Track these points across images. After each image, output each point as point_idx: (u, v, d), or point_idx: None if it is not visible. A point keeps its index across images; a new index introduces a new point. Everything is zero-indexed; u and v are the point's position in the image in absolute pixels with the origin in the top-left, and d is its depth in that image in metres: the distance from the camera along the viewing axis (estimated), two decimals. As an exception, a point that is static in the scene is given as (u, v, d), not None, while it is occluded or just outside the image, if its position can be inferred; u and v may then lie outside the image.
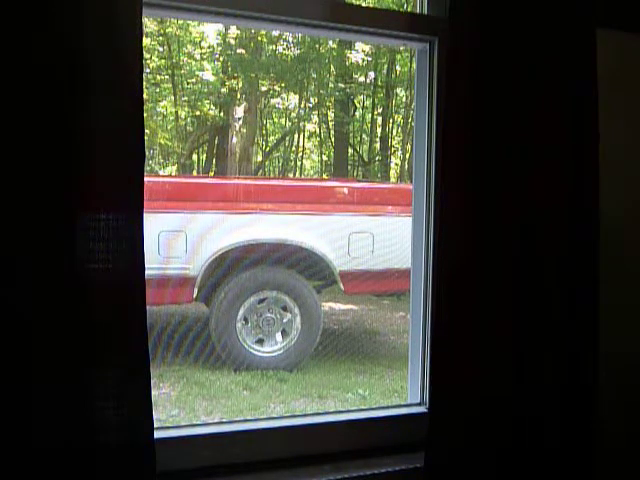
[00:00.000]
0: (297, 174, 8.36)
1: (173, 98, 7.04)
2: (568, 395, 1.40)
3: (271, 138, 8.25)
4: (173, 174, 7.00)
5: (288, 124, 8.12)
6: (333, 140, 8.10)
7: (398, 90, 8.21)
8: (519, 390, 1.37)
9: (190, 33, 6.73)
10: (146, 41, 6.34)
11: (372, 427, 1.49)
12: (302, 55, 7.09)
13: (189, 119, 7.22)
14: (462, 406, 1.35)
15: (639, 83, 1.63)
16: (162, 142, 7.04)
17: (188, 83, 6.93)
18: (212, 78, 6.70)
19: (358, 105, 8.34)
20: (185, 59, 6.94)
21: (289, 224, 3.94)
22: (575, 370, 1.40)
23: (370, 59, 7.50)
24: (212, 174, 7.25)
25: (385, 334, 4.83)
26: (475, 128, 1.33)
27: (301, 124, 8.14)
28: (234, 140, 6.78)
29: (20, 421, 1.03)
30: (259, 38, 6.77)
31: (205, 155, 7.64)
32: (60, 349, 1.05)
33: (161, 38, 6.67)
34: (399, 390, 3.79)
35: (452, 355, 1.34)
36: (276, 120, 8.15)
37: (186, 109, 7.15)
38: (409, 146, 7.61)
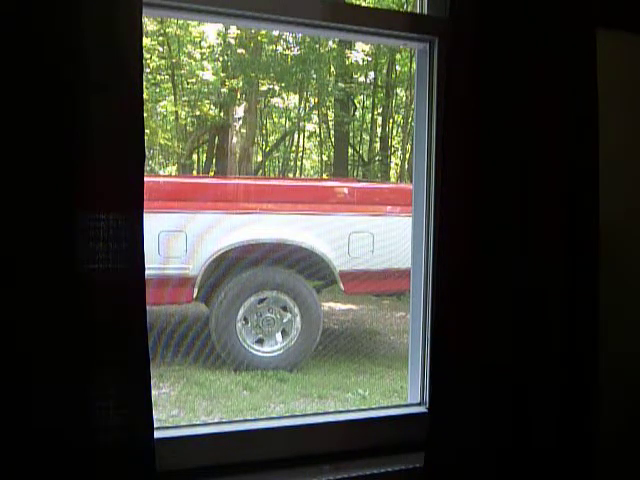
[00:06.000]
0: (297, 174, 8.37)
1: (173, 98, 7.04)
2: (568, 395, 1.40)
3: (271, 138, 8.26)
4: (173, 174, 7.00)
5: (288, 124, 8.13)
6: (333, 140, 8.11)
7: (398, 90, 8.22)
8: (519, 390, 1.37)
9: (190, 33, 6.73)
10: (146, 41, 6.34)
11: (372, 427, 1.49)
12: (302, 55, 7.09)
13: (189, 119, 7.22)
14: (462, 406, 1.35)
15: (639, 83, 1.63)
16: (162, 142, 7.04)
17: (188, 83, 6.93)
18: (212, 78, 6.70)
19: (358, 105, 8.35)
20: (185, 59, 6.94)
21: (289, 224, 3.94)
22: (575, 370, 1.40)
23: (370, 59, 7.51)
24: (212, 174, 7.25)
25: (385, 334, 4.84)
26: (475, 128, 1.33)
27: (301, 124, 8.14)
28: (234, 140, 6.79)
29: (20, 421, 1.03)
30: (259, 38, 6.77)
31: (205, 155, 7.64)
32: (60, 349, 1.05)
33: (161, 38, 6.67)
34: (399, 390, 3.79)
35: (452, 355, 1.34)
36: (276, 120, 8.15)
37: (186, 109, 7.16)
38: (409, 146, 7.61)
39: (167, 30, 6.64)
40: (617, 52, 1.55)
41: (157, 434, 1.15)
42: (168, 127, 7.15)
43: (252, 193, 4.09)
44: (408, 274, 1.59)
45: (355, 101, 8.19)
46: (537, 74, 1.34)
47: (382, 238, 4.02)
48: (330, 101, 7.74)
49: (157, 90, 6.85)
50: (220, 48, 6.79)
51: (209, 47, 6.80)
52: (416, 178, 1.53)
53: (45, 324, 1.03)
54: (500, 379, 1.36)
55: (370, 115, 8.49)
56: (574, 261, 1.39)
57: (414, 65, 1.59)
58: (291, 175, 8.34)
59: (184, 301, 3.89)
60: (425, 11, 1.50)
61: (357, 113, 8.43)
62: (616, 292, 1.55)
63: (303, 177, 8.32)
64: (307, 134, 8.34)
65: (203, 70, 6.73)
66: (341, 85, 7.33)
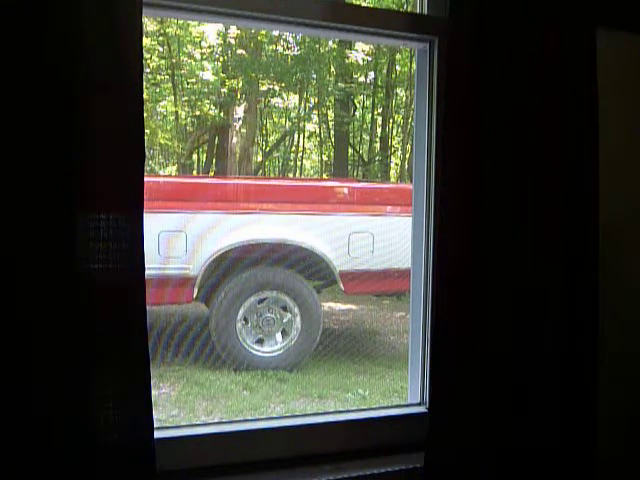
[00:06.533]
0: (297, 174, 8.36)
1: (173, 98, 7.04)
2: (568, 395, 1.40)
3: (271, 138, 8.25)
4: (173, 174, 7.00)
5: (288, 124, 8.12)
6: (333, 140, 8.10)
7: (398, 90, 8.21)
8: (519, 390, 1.37)
9: (190, 33, 6.73)
10: (146, 41, 6.34)
11: (372, 427, 1.49)
12: (302, 55, 7.09)
13: (189, 119, 7.22)
14: (462, 406, 1.35)
15: (639, 83, 1.63)
16: (162, 142, 7.04)
17: (188, 83, 6.93)
18: (212, 78, 6.70)
19: (358, 105, 8.35)
20: (185, 59, 6.94)
21: (289, 224, 3.94)
22: (575, 370, 1.40)
23: (370, 59, 7.50)
24: (212, 174, 7.24)
25: (385, 334, 4.83)
26: (475, 128, 1.33)
27: (301, 124, 8.14)
28: (234, 140, 6.78)
29: (20, 421, 1.03)
30: (259, 38, 6.77)
31: (205, 155, 7.64)
32: (60, 349, 1.05)
33: (161, 38, 6.67)
34: (399, 390, 3.79)
35: (452, 355, 1.34)
36: (276, 120, 8.15)
37: (186, 109, 7.15)
38: (409, 146, 7.61)
39: (167, 30, 6.63)
40: (617, 52, 1.55)
41: (157, 434, 1.15)
42: (168, 127, 7.14)
43: (252, 193, 4.09)
44: (408, 274, 1.59)
45: (355, 101, 8.19)
46: (537, 74, 1.34)
47: (382, 238, 4.01)
48: (330, 101, 7.74)
49: (157, 90, 6.84)
50: (220, 48, 6.78)
51: (209, 47, 6.79)
52: (416, 178, 1.53)
53: (45, 324, 1.03)
54: (500, 379, 1.36)
55: (370, 115, 8.48)
56: (574, 261, 1.39)
57: (414, 65, 1.59)
58: (291, 175, 8.34)
59: (184, 301, 3.89)
60: (425, 11, 1.50)
61: (357, 113, 8.43)
62: (616, 292, 1.55)
63: (303, 177, 8.32)
64: (307, 134, 8.34)
65: (203, 70, 6.72)
66: (341, 85, 7.33)
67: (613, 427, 1.57)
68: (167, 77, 6.97)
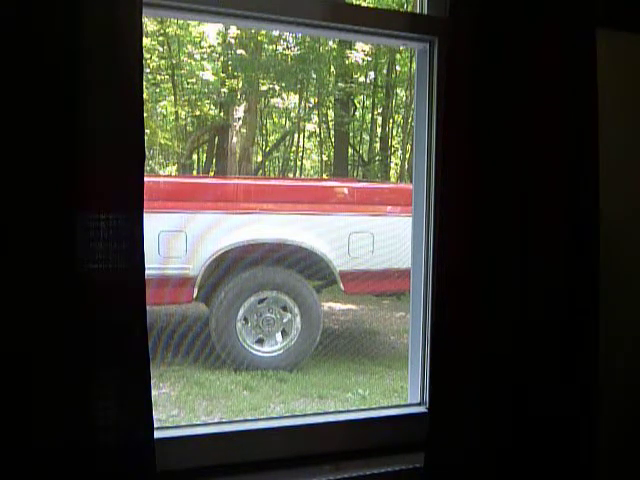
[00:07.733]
0: (297, 174, 8.37)
1: (173, 98, 7.04)
2: (568, 395, 1.40)
3: (271, 138, 8.26)
4: (173, 174, 7.00)
5: (288, 124, 8.13)
6: (333, 140, 8.11)
7: (398, 90, 8.22)
8: (519, 391, 1.37)
9: (190, 33, 6.73)
10: (146, 41, 6.34)
11: (372, 427, 1.49)
12: (302, 55, 7.09)
13: (189, 119, 7.22)
14: (462, 406, 1.35)
15: (639, 83, 1.63)
16: (162, 142, 7.04)
17: (188, 83, 6.93)
18: (212, 78, 6.70)
19: (358, 105, 8.35)
20: (185, 59, 6.94)
21: (289, 224, 3.94)
22: (575, 370, 1.40)
23: (370, 59, 7.51)
24: (212, 174, 7.25)
25: (385, 334, 4.84)
26: (475, 128, 1.33)
27: (301, 124, 8.14)
28: (234, 140, 6.79)
29: (20, 421, 1.03)
30: (259, 38, 6.77)
31: (205, 155, 7.64)
32: (60, 349, 1.05)
33: (161, 38, 6.67)
34: (399, 390, 3.79)
35: (452, 355, 1.34)
36: (276, 120, 8.15)
37: (186, 109, 7.16)
38: (409, 146, 7.61)
39: (167, 30, 6.64)
40: (617, 52, 1.55)
41: (157, 434, 1.15)
42: (168, 127, 7.15)
43: (252, 193, 4.09)
44: (408, 274, 1.59)
45: (355, 101, 8.20)
46: (537, 74, 1.34)
47: (382, 238, 4.02)
48: (330, 101, 7.75)
49: (157, 90, 6.85)
50: (220, 48, 6.79)
51: (209, 47, 6.80)
52: (416, 178, 1.53)
53: (45, 324, 1.03)
54: (500, 379, 1.36)
55: (370, 115, 8.49)
56: (574, 261, 1.38)
57: (414, 65, 1.59)
58: (291, 175, 8.34)
59: (184, 301, 3.89)
60: (425, 11, 1.50)
61: (357, 113, 8.43)
62: (616, 292, 1.55)
63: (303, 177, 8.32)
64: (307, 134, 8.35)
65: (203, 70, 6.72)
66: (341, 85, 7.34)
67: (613, 427, 1.57)
68: (167, 77, 6.98)
